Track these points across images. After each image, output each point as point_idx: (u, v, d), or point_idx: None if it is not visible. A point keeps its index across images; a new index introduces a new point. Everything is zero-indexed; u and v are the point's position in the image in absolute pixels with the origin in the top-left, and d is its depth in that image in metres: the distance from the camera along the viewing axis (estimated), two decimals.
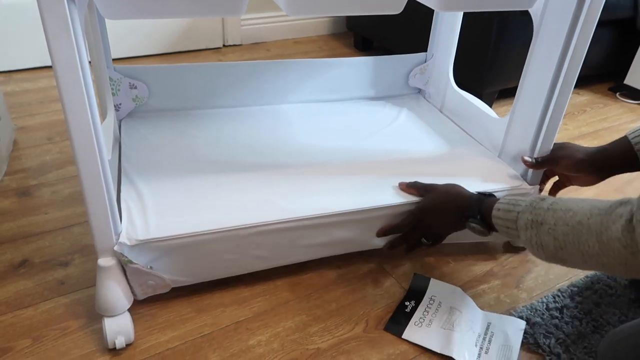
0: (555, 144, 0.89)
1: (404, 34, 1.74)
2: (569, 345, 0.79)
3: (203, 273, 0.82)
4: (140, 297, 0.78)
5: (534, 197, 0.69)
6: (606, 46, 1.72)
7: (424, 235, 0.87)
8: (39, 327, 0.78)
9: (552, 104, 0.85)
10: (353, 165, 0.97)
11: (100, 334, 0.77)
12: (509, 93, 0.97)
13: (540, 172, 0.92)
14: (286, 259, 0.86)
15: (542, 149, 0.89)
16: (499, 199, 0.76)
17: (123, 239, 0.71)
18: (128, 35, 1.83)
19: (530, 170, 0.92)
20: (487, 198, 0.79)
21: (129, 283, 0.75)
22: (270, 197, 0.84)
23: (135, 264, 0.72)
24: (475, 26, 1.41)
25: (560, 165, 0.88)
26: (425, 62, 1.25)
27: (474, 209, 0.78)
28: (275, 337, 0.79)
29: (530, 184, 0.93)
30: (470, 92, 1.15)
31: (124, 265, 0.72)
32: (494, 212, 0.74)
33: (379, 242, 0.89)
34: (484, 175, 0.95)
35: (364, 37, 2.06)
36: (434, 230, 0.86)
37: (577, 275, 0.95)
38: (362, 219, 0.85)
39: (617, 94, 1.80)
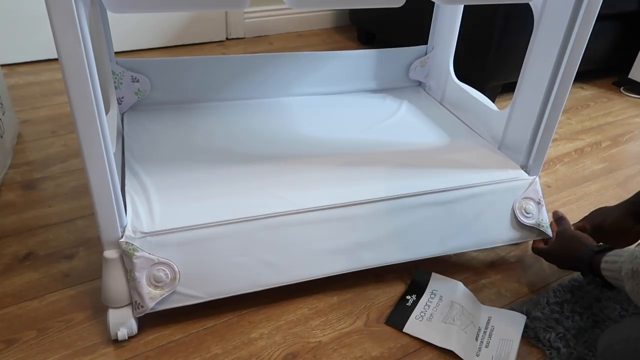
0: (585, 217, 0.95)
1: (407, 27, 1.74)
2: (569, 340, 0.79)
3: (213, 284, 0.78)
4: (149, 304, 0.73)
5: (636, 248, 0.69)
6: (610, 40, 1.71)
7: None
8: (44, 319, 0.79)
9: (552, 97, 0.85)
10: (354, 157, 0.97)
11: (104, 326, 0.78)
12: (512, 87, 0.97)
13: (541, 165, 0.93)
14: (300, 269, 0.82)
15: (542, 141, 0.90)
16: (608, 253, 0.76)
17: (128, 231, 0.72)
18: (131, 28, 1.83)
19: (530, 162, 0.92)
20: (598, 254, 0.79)
21: (137, 291, 0.72)
22: (274, 190, 0.84)
23: (142, 250, 0.71)
24: (478, 19, 1.41)
25: (603, 228, 0.90)
26: (426, 54, 1.25)
27: (585, 265, 0.81)
28: (277, 329, 0.80)
29: (530, 175, 0.93)
30: (473, 86, 1.15)
31: (130, 259, 0.71)
32: (602, 265, 0.75)
33: (399, 256, 0.87)
34: (484, 166, 0.95)
35: (367, 30, 2.05)
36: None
37: None
38: (367, 214, 0.84)
39: (621, 89, 1.79)
